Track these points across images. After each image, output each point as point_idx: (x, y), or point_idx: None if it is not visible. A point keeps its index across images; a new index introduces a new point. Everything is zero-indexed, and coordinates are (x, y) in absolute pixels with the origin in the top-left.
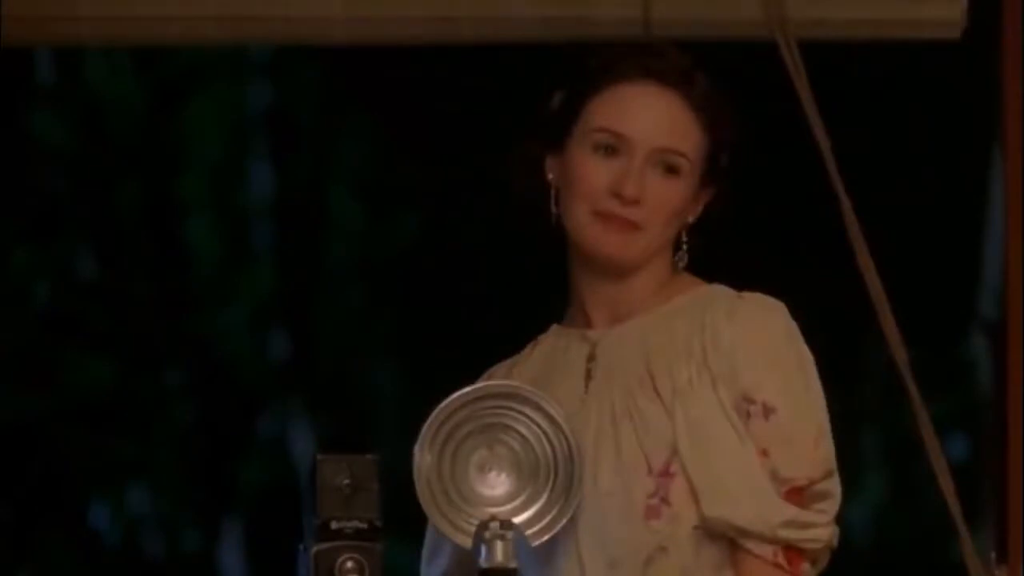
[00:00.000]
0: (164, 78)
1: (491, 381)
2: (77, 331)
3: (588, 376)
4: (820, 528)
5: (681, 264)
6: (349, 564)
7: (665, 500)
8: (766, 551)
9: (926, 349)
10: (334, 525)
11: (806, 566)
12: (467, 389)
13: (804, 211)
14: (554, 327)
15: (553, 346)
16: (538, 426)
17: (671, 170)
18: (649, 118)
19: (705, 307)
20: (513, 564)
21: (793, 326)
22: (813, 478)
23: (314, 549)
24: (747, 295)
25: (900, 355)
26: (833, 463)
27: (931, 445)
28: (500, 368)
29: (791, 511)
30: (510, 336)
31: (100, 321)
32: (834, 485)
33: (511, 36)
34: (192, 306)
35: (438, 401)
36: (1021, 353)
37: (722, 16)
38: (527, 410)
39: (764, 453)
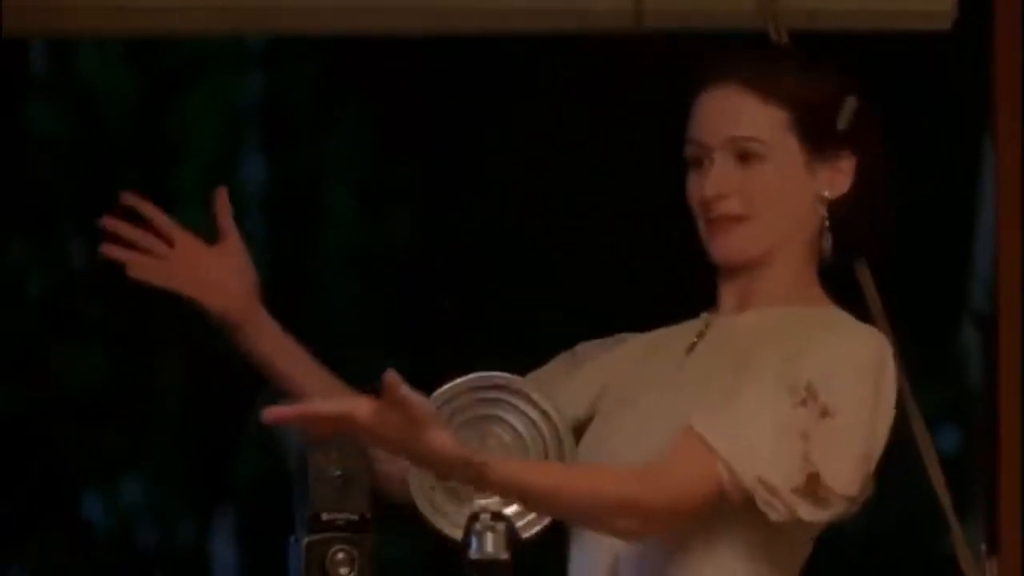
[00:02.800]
0: (160, 69)
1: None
2: (71, 323)
3: (690, 350)
4: (788, 513)
5: (826, 245)
6: (340, 556)
7: None
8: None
9: (917, 341)
10: (325, 517)
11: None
12: (458, 380)
13: None
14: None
15: (684, 325)
16: (528, 417)
17: (749, 156)
18: (713, 116)
19: (817, 321)
20: (504, 556)
21: (891, 369)
22: (833, 486)
23: (305, 541)
24: (865, 325)
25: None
26: (855, 495)
27: (921, 437)
28: (631, 334)
29: (786, 483)
30: (506, 332)
31: (93, 312)
32: (841, 509)
33: (503, 28)
34: (186, 298)
35: (430, 393)
36: (1012, 345)
37: (714, 7)
38: (517, 401)
39: (805, 437)
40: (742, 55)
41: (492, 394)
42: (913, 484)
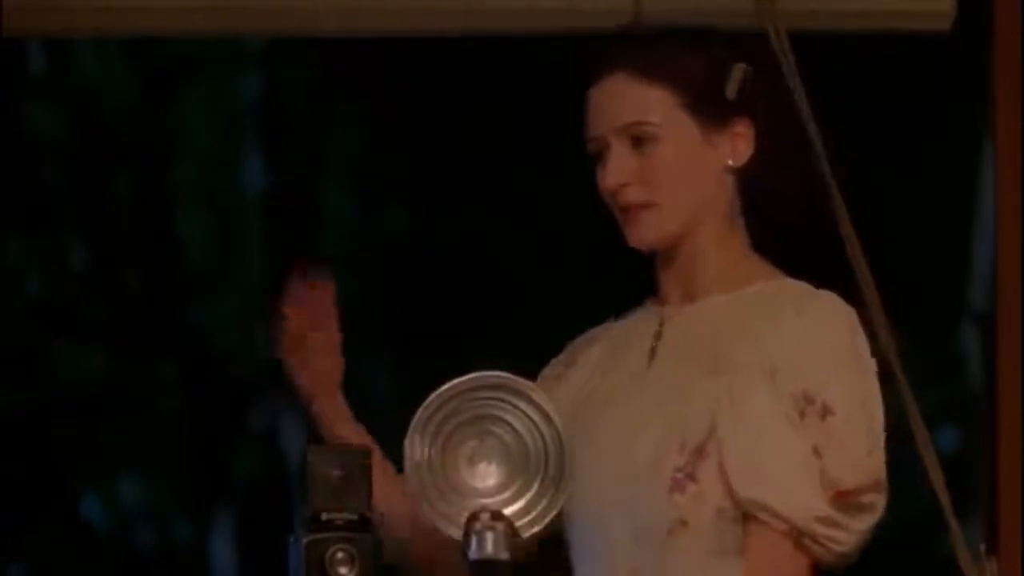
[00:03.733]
0: (157, 69)
1: (572, 346)
2: (69, 322)
3: (652, 354)
4: (849, 534)
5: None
6: (340, 555)
7: (692, 477)
8: (781, 525)
9: (916, 340)
10: (325, 517)
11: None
12: (458, 380)
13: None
14: (647, 303)
15: (633, 321)
16: (528, 417)
17: (644, 140)
18: (603, 108)
19: (777, 300)
20: (504, 555)
21: (860, 333)
22: (862, 484)
23: (305, 540)
24: (822, 293)
25: (890, 346)
26: (883, 475)
27: (921, 437)
28: (586, 334)
29: (831, 511)
30: (503, 330)
31: (92, 312)
32: (879, 500)
33: (501, 27)
34: (184, 297)
35: (428, 392)
36: (1012, 345)
37: (712, 6)
38: (518, 401)
39: (816, 452)
40: (620, 44)
41: (492, 394)
42: (912, 484)
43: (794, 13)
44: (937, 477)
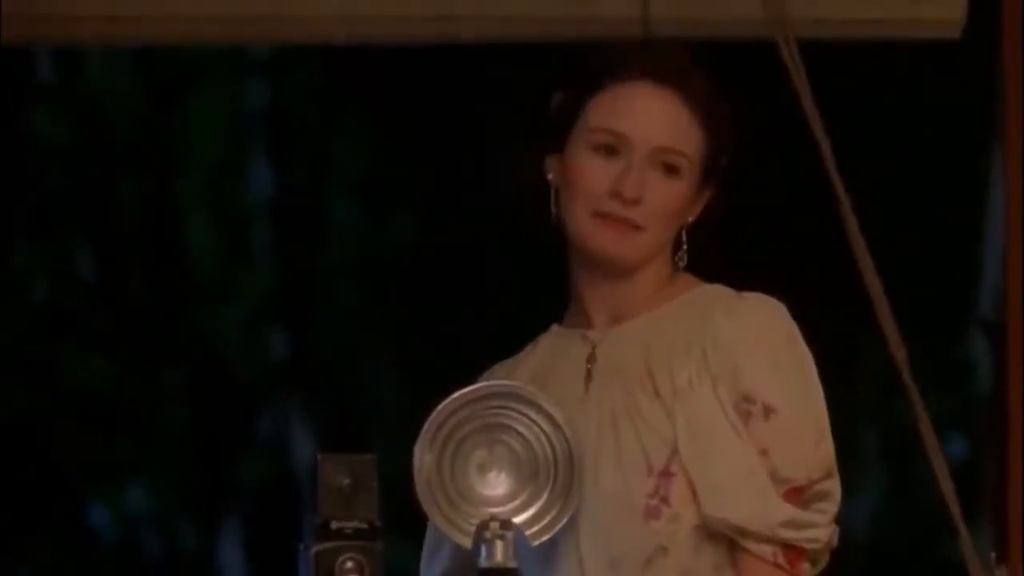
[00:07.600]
0: (163, 77)
1: (490, 381)
2: (75, 329)
3: (588, 377)
4: (819, 528)
5: (681, 264)
6: (349, 564)
7: (665, 500)
8: (765, 551)
9: (925, 348)
10: (334, 525)
11: (806, 566)
12: (467, 389)
13: (803, 210)
14: (554, 327)
15: (552, 347)
16: (538, 426)
17: (671, 170)
18: (648, 117)
19: (705, 307)
20: (513, 564)
21: (793, 326)
22: (813, 478)
23: (314, 549)
24: (747, 295)
25: (899, 354)
26: (833, 463)
27: (930, 444)
28: (499, 368)
29: (791, 511)
30: (508, 335)
31: (99, 319)
32: (834, 485)
33: (510, 35)
34: (191, 304)
35: (437, 400)
36: (1021, 352)
37: (722, 15)
38: (527, 410)
39: (764, 453)
40: (675, 61)
41: (502, 402)
42: (921, 491)
43: (803, 21)
44: (947, 483)
